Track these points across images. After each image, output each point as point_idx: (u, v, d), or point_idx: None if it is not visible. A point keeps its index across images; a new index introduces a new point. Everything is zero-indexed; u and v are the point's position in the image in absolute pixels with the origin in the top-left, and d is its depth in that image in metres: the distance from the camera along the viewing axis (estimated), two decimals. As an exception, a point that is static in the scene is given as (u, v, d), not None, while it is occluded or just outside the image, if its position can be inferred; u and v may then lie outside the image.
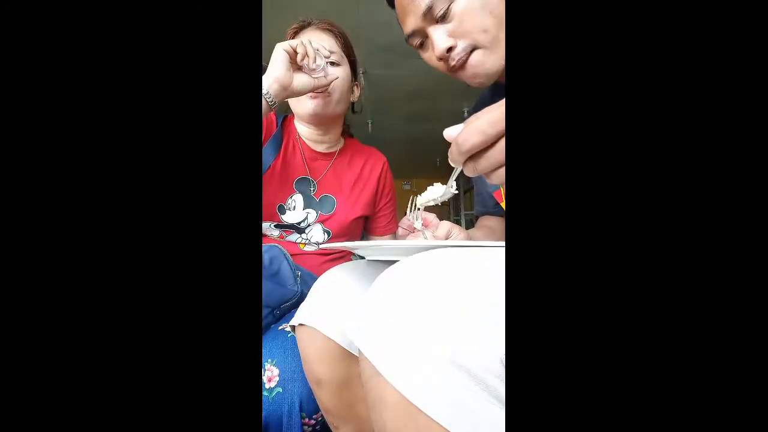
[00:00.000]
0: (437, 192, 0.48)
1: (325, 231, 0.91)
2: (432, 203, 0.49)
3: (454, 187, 0.45)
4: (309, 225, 0.90)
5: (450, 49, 0.58)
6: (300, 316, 0.54)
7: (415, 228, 0.63)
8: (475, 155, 0.33)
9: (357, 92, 0.99)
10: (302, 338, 0.54)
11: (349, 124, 1.06)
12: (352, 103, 1.00)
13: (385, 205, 1.02)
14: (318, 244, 0.91)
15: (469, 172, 0.34)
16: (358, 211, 0.95)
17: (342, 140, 1.01)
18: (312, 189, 0.92)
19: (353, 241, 0.97)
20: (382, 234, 1.03)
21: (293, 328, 0.57)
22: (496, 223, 0.80)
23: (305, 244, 0.91)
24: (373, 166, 1.00)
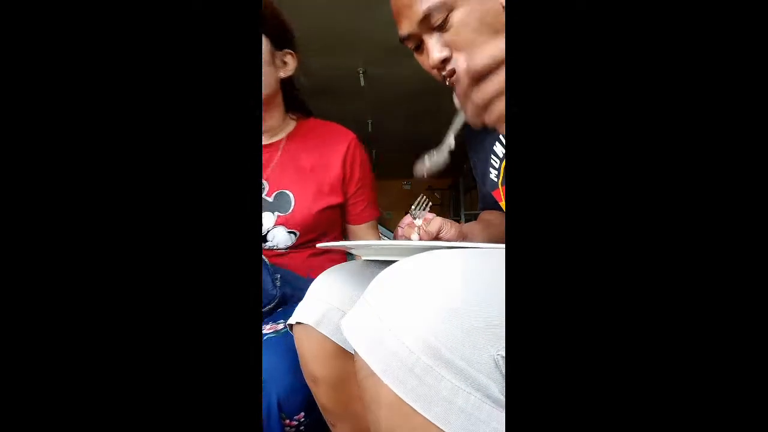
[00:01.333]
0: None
1: (289, 232, 0.80)
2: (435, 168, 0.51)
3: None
4: (269, 230, 0.80)
5: (445, 61, 0.56)
6: (297, 314, 0.55)
7: (414, 225, 0.63)
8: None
9: (291, 63, 0.79)
10: (299, 336, 0.55)
11: (303, 99, 0.88)
12: (289, 78, 0.81)
13: (357, 190, 0.86)
14: (287, 248, 0.81)
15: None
16: (322, 202, 0.81)
17: (291, 123, 0.86)
18: (263, 189, 0.81)
19: (329, 235, 0.87)
20: (356, 222, 0.89)
21: (290, 326, 0.57)
22: (496, 217, 0.80)
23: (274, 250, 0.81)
24: (333, 146, 0.83)
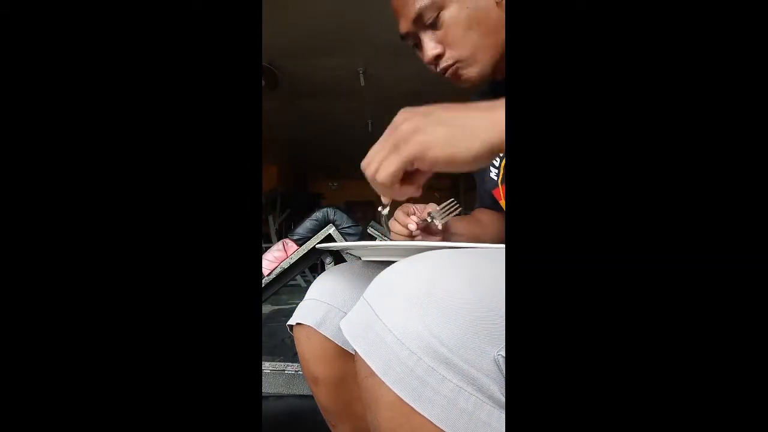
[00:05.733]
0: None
1: None
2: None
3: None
4: None
5: (438, 57, 0.59)
6: (297, 315, 0.55)
7: (416, 216, 0.61)
8: None
9: None
10: (299, 337, 0.55)
11: None
12: None
13: None
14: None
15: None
16: None
17: None
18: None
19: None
20: None
21: (291, 327, 0.57)
22: (487, 216, 0.80)
23: None
24: None
